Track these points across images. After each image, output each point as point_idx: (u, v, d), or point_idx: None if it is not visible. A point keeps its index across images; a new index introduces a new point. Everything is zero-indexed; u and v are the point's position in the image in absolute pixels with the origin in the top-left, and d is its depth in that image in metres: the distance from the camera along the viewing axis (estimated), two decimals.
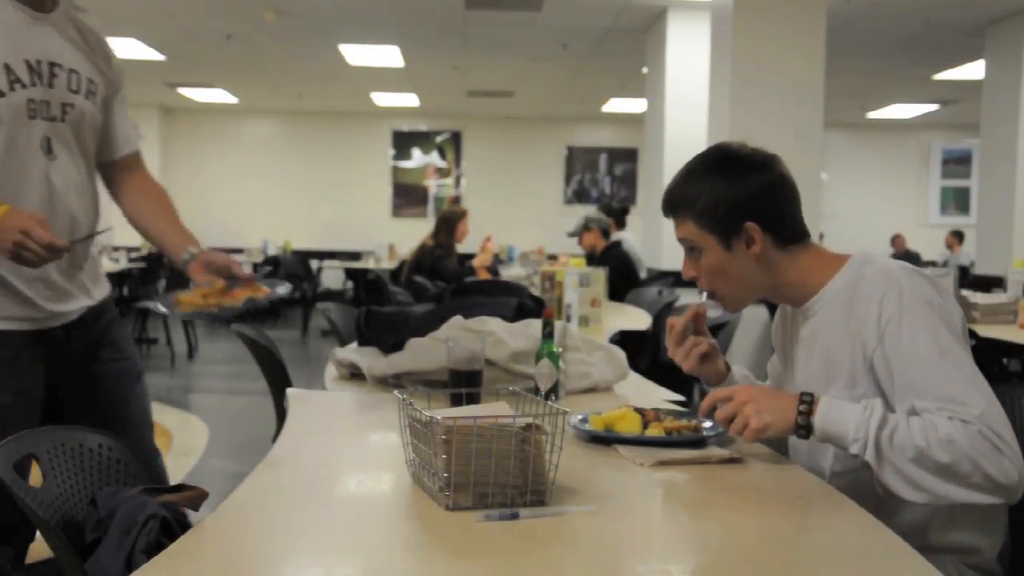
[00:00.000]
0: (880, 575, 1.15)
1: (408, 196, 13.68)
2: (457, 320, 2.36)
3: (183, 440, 5.22)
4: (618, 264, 6.13)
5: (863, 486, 1.51)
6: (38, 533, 1.55)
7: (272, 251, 11.89)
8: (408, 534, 1.29)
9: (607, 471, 1.56)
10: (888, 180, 13.89)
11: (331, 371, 2.51)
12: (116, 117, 2.17)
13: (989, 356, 4.16)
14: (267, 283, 2.07)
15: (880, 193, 13.81)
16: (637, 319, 4.75)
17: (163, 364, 7.87)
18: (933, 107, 11.91)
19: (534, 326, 2.28)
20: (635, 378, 2.51)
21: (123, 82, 2.19)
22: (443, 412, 1.36)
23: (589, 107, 12.48)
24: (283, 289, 2.07)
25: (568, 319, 4.10)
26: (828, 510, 1.38)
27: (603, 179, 13.78)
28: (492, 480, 1.29)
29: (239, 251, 11.44)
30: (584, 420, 1.78)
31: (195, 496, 1.63)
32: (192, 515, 1.45)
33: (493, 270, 7.84)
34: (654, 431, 1.72)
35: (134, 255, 10.10)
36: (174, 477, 2.16)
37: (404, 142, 13.68)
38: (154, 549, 1.38)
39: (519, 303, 2.76)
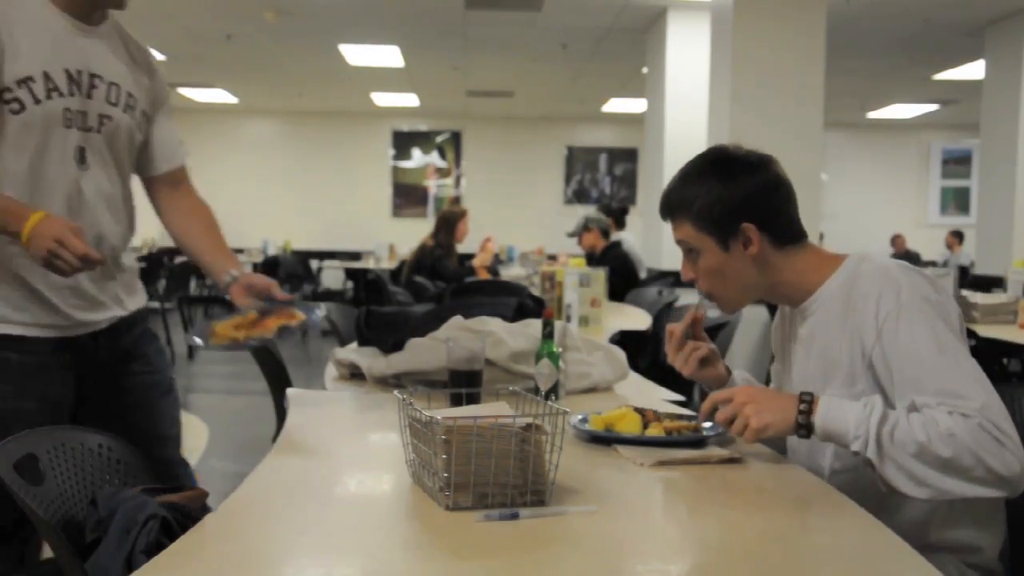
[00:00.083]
0: (880, 575, 1.15)
1: (408, 196, 13.69)
2: (457, 320, 2.36)
3: (183, 440, 5.22)
4: (618, 264, 6.13)
5: (863, 484, 1.52)
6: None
7: (272, 251, 11.89)
8: (408, 534, 1.29)
9: (607, 471, 1.56)
10: (888, 180, 13.89)
11: (331, 371, 2.51)
12: (158, 132, 2.16)
13: (989, 356, 4.16)
14: (303, 307, 2.04)
15: (880, 193, 13.81)
16: (637, 319, 4.75)
17: None
18: (933, 107, 11.91)
19: (534, 326, 2.28)
20: (635, 378, 2.51)
21: (166, 97, 2.19)
22: (443, 412, 1.36)
23: (589, 107, 12.48)
24: (319, 313, 2.03)
25: (568, 319, 4.10)
26: (828, 510, 1.38)
27: (603, 179, 13.78)
28: (492, 480, 1.29)
29: (239, 251, 11.43)
30: (584, 420, 1.78)
31: (195, 496, 1.63)
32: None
33: (493, 270, 7.84)
34: (654, 431, 1.72)
35: (135, 255, 10.09)
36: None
37: (404, 142, 13.68)
38: (154, 549, 1.38)
39: (519, 303, 2.76)
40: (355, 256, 12.30)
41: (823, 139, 5.95)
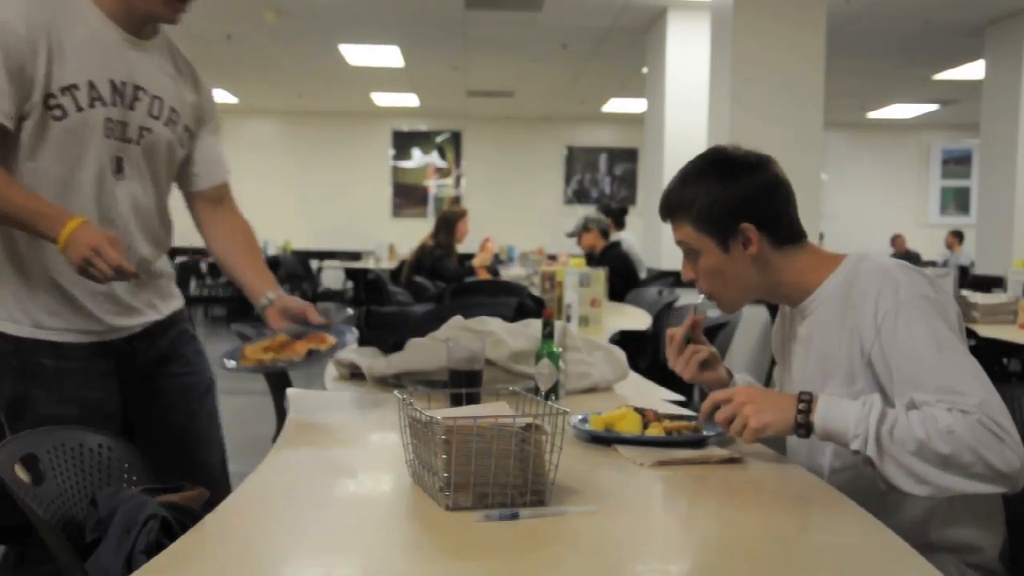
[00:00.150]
0: (880, 575, 1.15)
1: (408, 196, 13.68)
2: (457, 320, 2.36)
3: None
4: (617, 264, 6.13)
5: (862, 483, 1.52)
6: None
7: (272, 251, 11.89)
8: (408, 534, 1.29)
9: (607, 471, 1.56)
10: (888, 180, 13.89)
11: (331, 371, 2.51)
12: (201, 148, 2.17)
13: (989, 356, 4.16)
14: (337, 331, 2.04)
15: (880, 193, 13.81)
16: (637, 319, 4.74)
17: None
18: (933, 107, 11.91)
19: (534, 326, 2.28)
20: (635, 378, 2.51)
21: (213, 115, 2.20)
22: (443, 412, 1.36)
23: (589, 107, 12.48)
24: (350, 338, 2.01)
25: (568, 319, 4.10)
26: (828, 509, 1.38)
27: (603, 179, 13.78)
28: (492, 480, 1.29)
29: None
30: (584, 420, 1.78)
31: (195, 496, 1.63)
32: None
33: (493, 270, 7.84)
34: (654, 431, 1.72)
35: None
36: None
37: (404, 142, 13.68)
38: (154, 549, 1.38)
39: (519, 303, 2.76)
40: (355, 256, 12.30)
41: (823, 139, 5.95)
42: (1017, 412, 1.70)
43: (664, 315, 4.85)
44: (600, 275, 4.35)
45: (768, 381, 1.95)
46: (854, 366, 1.56)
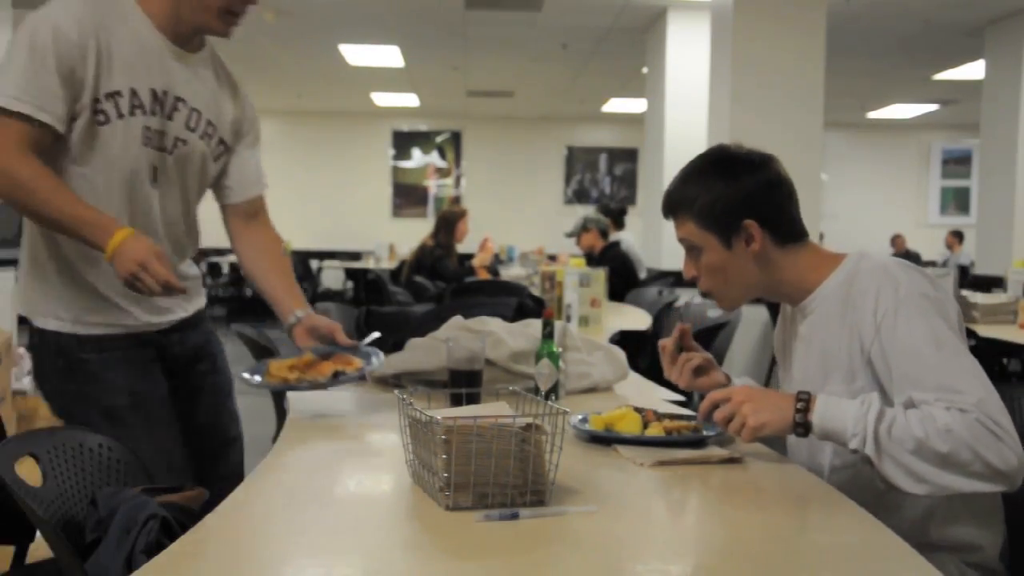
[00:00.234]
0: (880, 575, 1.15)
1: (408, 196, 13.68)
2: (457, 320, 2.36)
3: None
4: (616, 264, 6.13)
5: (863, 481, 1.52)
6: (38, 533, 1.55)
7: None
8: (408, 534, 1.29)
9: (607, 471, 1.56)
10: (888, 180, 13.89)
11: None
12: (237, 161, 2.18)
13: (989, 356, 4.16)
14: (363, 354, 2.04)
15: (880, 193, 13.81)
16: (637, 319, 4.75)
17: None
18: (933, 107, 11.91)
19: (534, 326, 2.28)
20: (635, 378, 2.51)
21: (252, 130, 2.21)
22: (443, 412, 1.36)
23: (589, 107, 12.48)
24: (377, 361, 2.00)
25: (568, 319, 4.10)
26: (828, 510, 1.38)
27: (603, 179, 13.77)
28: (492, 480, 1.29)
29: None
30: (584, 420, 1.78)
31: (195, 496, 1.63)
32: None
33: (493, 270, 7.84)
34: (654, 431, 1.72)
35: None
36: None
37: (404, 142, 13.68)
38: (154, 549, 1.38)
39: (519, 303, 2.76)
40: (355, 256, 12.30)
41: (823, 139, 5.95)
42: (1017, 412, 1.70)
43: (664, 315, 4.85)
44: (600, 275, 4.35)
45: (768, 382, 1.95)
46: (854, 364, 1.57)
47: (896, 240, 12.92)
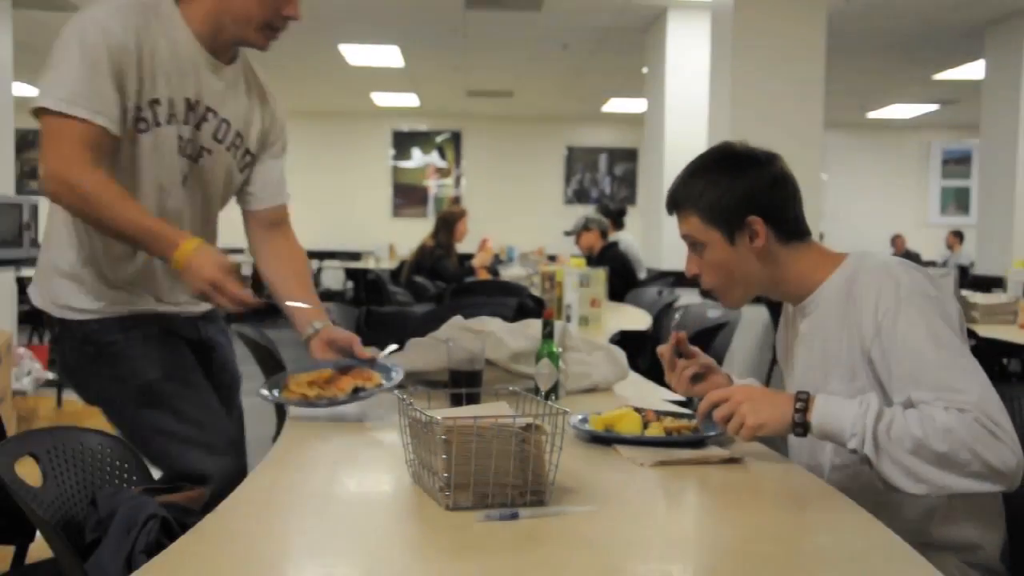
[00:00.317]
0: (880, 575, 1.15)
1: (408, 196, 13.68)
2: (457, 320, 2.36)
3: None
4: (616, 264, 6.13)
5: (864, 479, 1.52)
6: (38, 533, 1.56)
7: None
8: (408, 534, 1.29)
9: (607, 471, 1.56)
10: (888, 180, 13.88)
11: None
12: (260, 170, 2.19)
13: (989, 356, 4.16)
14: (381, 368, 2.02)
15: (880, 193, 13.80)
16: (637, 319, 4.75)
17: None
18: (933, 107, 11.91)
19: (534, 326, 2.28)
20: (635, 378, 2.51)
21: (280, 139, 2.22)
22: (443, 412, 1.36)
23: (589, 107, 12.47)
24: (396, 377, 1.96)
25: (568, 319, 4.10)
26: (828, 510, 1.38)
27: (603, 179, 13.77)
28: (492, 480, 1.29)
29: (239, 251, 11.41)
30: (584, 420, 1.78)
31: (195, 496, 1.63)
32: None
33: (493, 270, 7.84)
34: (654, 431, 1.72)
35: None
36: None
37: (404, 142, 13.68)
38: (154, 549, 1.38)
39: (519, 303, 2.77)
40: (355, 256, 12.30)
41: (823, 139, 5.95)
42: (1017, 412, 1.70)
43: (664, 315, 4.86)
44: (600, 275, 4.35)
45: (768, 382, 1.95)
46: (855, 363, 1.57)
47: (896, 240, 12.92)
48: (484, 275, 7.18)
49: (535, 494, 1.32)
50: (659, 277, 6.82)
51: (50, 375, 5.73)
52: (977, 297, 4.83)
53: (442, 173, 13.72)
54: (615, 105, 12.14)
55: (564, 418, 1.39)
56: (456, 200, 13.32)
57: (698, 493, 1.50)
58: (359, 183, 13.51)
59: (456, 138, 13.67)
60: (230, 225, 2.32)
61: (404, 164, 13.68)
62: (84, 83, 1.81)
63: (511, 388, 1.67)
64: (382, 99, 12.22)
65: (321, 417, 1.92)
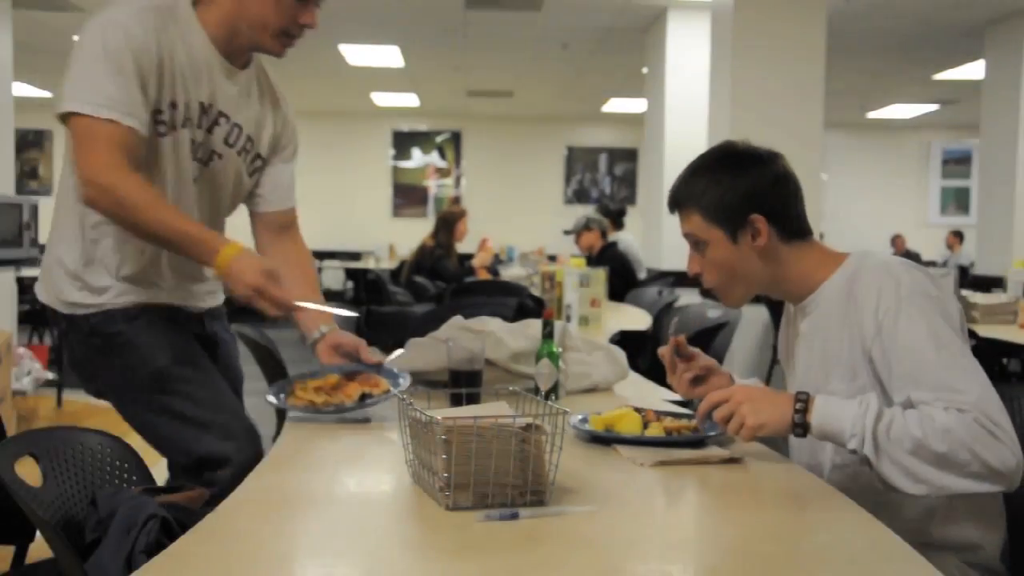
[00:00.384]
0: (880, 575, 1.15)
1: (408, 196, 13.68)
2: (457, 320, 2.36)
3: None
4: (615, 264, 6.13)
5: (865, 479, 1.52)
6: (38, 533, 1.56)
7: None
8: (408, 534, 1.29)
9: (607, 471, 1.56)
10: (888, 180, 13.88)
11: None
12: (270, 172, 2.20)
13: (989, 356, 4.16)
14: (388, 373, 2.00)
15: (880, 193, 13.80)
16: (637, 319, 4.75)
17: None
18: (933, 107, 11.91)
19: (534, 326, 2.28)
20: (635, 378, 2.51)
21: (291, 144, 2.23)
22: (443, 412, 1.36)
23: (589, 107, 12.47)
24: (403, 383, 1.94)
25: (568, 319, 4.10)
26: (828, 510, 1.38)
27: (603, 179, 13.77)
28: (492, 480, 1.29)
29: None
30: (584, 420, 1.78)
31: (195, 496, 1.63)
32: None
33: (493, 270, 7.84)
34: (654, 431, 1.72)
35: None
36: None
37: (404, 142, 13.67)
38: (154, 549, 1.38)
39: (519, 303, 2.77)
40: (355, 256, 12.29)
41: (823, 139, 5.95)
42: (1017, 412, 1.70)
43: (664, 315, 4.85)
44: (600, 275, 4.35)
45: (768, 382, 1.95)
46: (855, 362, 1.57)
47: (896, 240, 12.92)
48: (484, 275, 7.18)
49: (535, 494, 1.32)
50: (659, 277, 6.82)
51: (50, 375, 5.73)
52: (977, 297, 4.83)
53: (442, 173, 13.72)
54: (615, 105, 12.14)
55: (564, 418, 1.39)
56: (456, 200, 13.32)
57: (698, 493, 1.50)
58: (359, 183, 13.51)
59: (456, 138, 13.67)
60: (235, 230, 2.32)
61: (404, 164, 13.68)
62: (112, 86, 1.81)
63: (511, 388, 1.67)
64: (382, 99, 12.22)
65: (323, 418, 1.92)
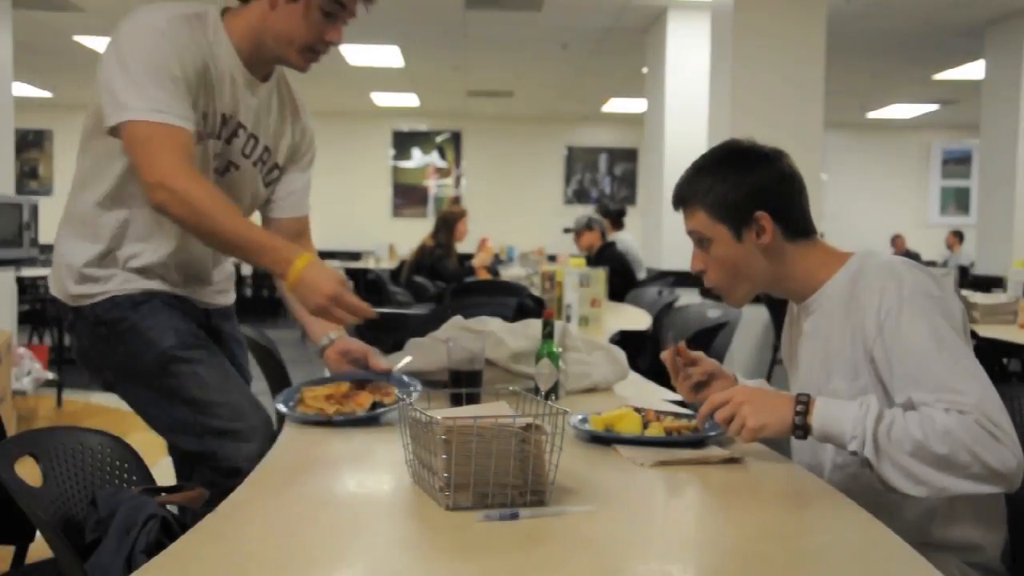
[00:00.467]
0: (880, 575, 1.15)
1: (408, 196, 13.68)
2: (457, 320, 2.36)
3: None
4: (613, 264, 6.14)
5: (866, 478, 1.52)
6: (38, 533, 1.56)
7: None
8: (408, 534, 1.29)
9: (607, 471, 1.56)
10: (888, 180, 13.89)
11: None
12: (285, 180, 2.21)
13: (989, 356, 4.16)
14: (398, 382, 1.99)
15: (880, 193, 13.81)
16: (637, 319, 4.75)
17: None
18: (933, 107, 11.91)
19: (534, 326, 2.28)
20: (635, 378, 2.51)
21: (308, 153, 2.26)
22: (443, 412, 1.36)
23: (589, 107, 12.48)
24: (415, 391, 1.92)
25: (568, 319, 4.10)
26: (828, 510, 1.38)
27: (603, 179, 13.77)
28: (492, 480, 1.29)
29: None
30: (584, 420, 1.78)
31: (195, 496, 1.63)
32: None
33: (493, 270, 7.84)
34: (654, 431, 1.72)
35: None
36: (174, 478, 2.17)
37: (404, 142, 13.68)
38: (154, 549, 1.38)
39: (519, 303, 2.76)
40: (355, 256, 12.29)
41: (823, 139, 5.95)
42: (1017, 412, 1.71)
43: (664, 315, 4.85)
44: (600, 275, 4.35)
45: (768, 381, 1.95)
46: (857, 362, 1.57)
47: (896, 240, 12.92)
48: (484, 275, 7.18)
49: (535, 494, 1.32)
50: (659, 277, 6.82)
51: (50, 375, 5.74)
52: (977, 297, 4.83)
53: (442, 173, 13.72)
54: (615, 105, 12.15)
55: (564, 418, 1.39)
56: (456, 200, 13.32)
57: (698, 493, 1.50)
58: (359, 183, 13.51)
59: (456, 138, 13.68)
60: None
61: (404, 164, 13.68)
62: (165, 92, 1.81)
63: (511, 388, 1.67)
64: (382, 99, 12.23)
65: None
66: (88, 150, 1.98)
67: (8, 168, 6.87)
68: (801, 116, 5.62)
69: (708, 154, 1.73)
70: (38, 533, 1.55)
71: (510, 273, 8.11)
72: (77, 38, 8.56)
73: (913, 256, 11.94)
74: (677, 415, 1.82)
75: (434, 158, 13.71)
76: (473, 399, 1.81)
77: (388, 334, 2.54)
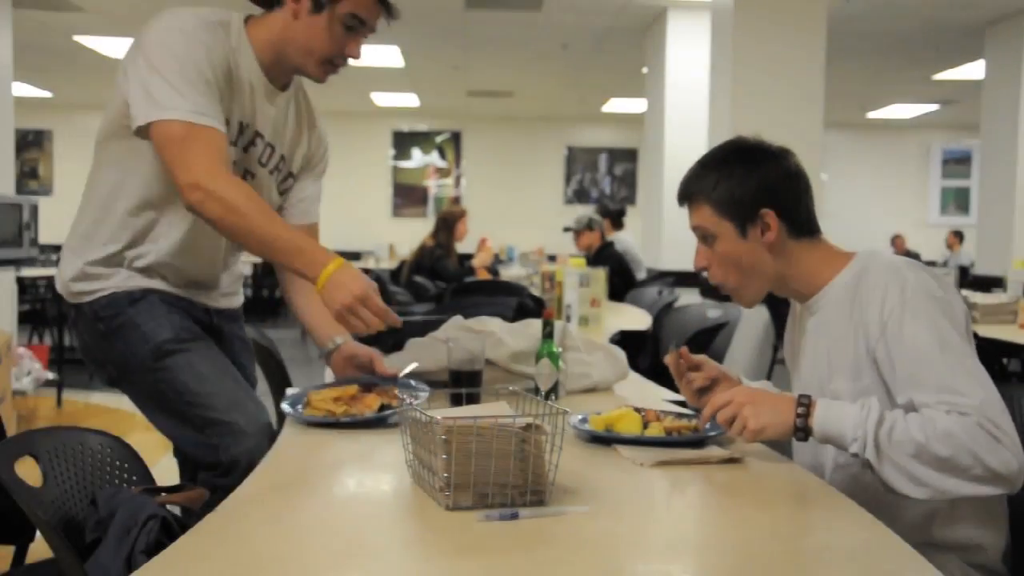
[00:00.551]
0: (880, 575, 1.15)
1: (408, 196, 13.68)
2: (457, 320, 2.36)
3: None
4: (612, 264, 6.13)
5: (866, 479, 1.52)
6: (38, 533, 1.56)
7: None
8: (408, 534, 1.29)
9: (607, 471, 1.56)
10: (888, 180, 13.89)
11: (331, 371, 2.50)
12: (297, 187, 2.20)
13: (989, 356, 4.15)
14: (405, 386, 1.98)
15: (880, 193, 13.81)
16: (637, 319, 4.75)
17: None
18: (933, 107, 11.91)
19: (534, 326, 2.28)
20: (635, 378, 2.51)
21: (322, 162, 2.24)
22: (443, 412, 1.36)
23: (589, 107, 12.48)
24: (421, 395, 1.91)
25: (568, 319, 4.10)
26: (828, 510, 1.38)
27: (603, 179, 13.78)
28: (492, 480, 1.29)
29: None
30: (584, 420, 1.78)
31: (195, 496, 1.63)
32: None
33: (493, 270, 7.84)
34: (654, 431, 1.72)
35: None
36: (174, 478, 2.17)
37: (404, 142, 13.68)
38: (154, 549, 1.38)
39: (519, 303, 2.76)
40: (355, 256, 12.28)
41: (823, 139, 5.95)
42: (1017, 412, 1.70)
43: (664, 315, 4.85)
44: (600, 275, 4.35)
45: (768, 379, 1.95)
46: (860, 362, 1.57)
47: (896, 240, 12.92)
48: (484, 275, 7.18)
49: (535, 494, 1.32)
50: (659, 277, 6.82)
51: (50, 375, 5.74)
52: (977, 297, 4.83)
53: (442, 173, 13.72)
54: (615, 105, 12.15)
55: (564, 418, 1.39)
56: (456, 200, 13.33)
57: (698, 493, 1.50)
58: (359, 183, 13.50)
59: (456, 138, 13.68)
60: None
61: (404, 164, 13.68)
62: (199, 94, 1.81)
63: (511, 388, 1.67)
64: (382, 99, 12.23)
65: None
66: (106, 155, 1.98)
67: (8, 168, 6.87)
68: (801, 116, 5.62)
69: (714, 150, 1.73)
70: (38, 533, 1.56)
71: (510, 273, 8.11)
72: (77, 38, 8.57)
73: (913, 256, 11.94)
74: (677, 415, 1.82)
75: (434, 158, 13.71)
76: (473, 399, 1.81)
77: (388, 334, 2.54)
